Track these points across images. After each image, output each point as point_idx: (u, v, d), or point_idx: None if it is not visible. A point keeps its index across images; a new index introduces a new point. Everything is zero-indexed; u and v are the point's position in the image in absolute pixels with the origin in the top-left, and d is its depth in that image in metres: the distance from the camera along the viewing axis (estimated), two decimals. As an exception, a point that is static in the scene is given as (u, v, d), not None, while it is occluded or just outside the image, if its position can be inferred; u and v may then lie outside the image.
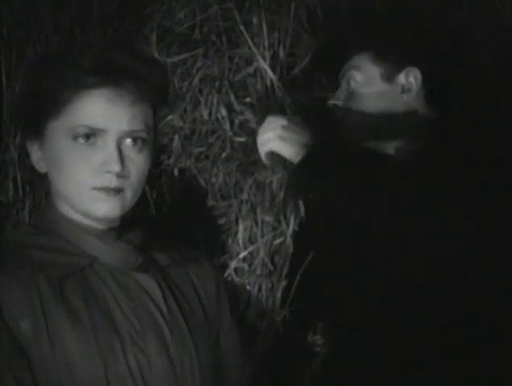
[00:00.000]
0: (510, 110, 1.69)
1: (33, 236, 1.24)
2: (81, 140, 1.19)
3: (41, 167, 1.26)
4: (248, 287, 1.62)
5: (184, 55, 1.69)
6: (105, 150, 1.19)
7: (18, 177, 1.70)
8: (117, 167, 1.18)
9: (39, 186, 1.65)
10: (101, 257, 1.23)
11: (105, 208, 1.20)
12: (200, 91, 1.67)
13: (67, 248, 1.22)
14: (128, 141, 1.21)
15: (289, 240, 1.65)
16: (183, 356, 1.24)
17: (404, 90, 1.56)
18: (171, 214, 1.69)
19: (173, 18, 1.72)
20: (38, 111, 1.22)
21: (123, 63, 1.20)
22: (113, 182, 1.19)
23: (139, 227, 1.30)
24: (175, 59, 1.69)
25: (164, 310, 1.25)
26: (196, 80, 1.66)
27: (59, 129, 1.20)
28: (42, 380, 1.12)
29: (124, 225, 1.28)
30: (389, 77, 1.57)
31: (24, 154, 1.31)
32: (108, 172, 1.19)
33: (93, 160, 1.19)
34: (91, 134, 1.19)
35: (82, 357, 1.14)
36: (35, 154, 1.26)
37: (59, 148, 1.20)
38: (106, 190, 1.19)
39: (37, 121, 1.22)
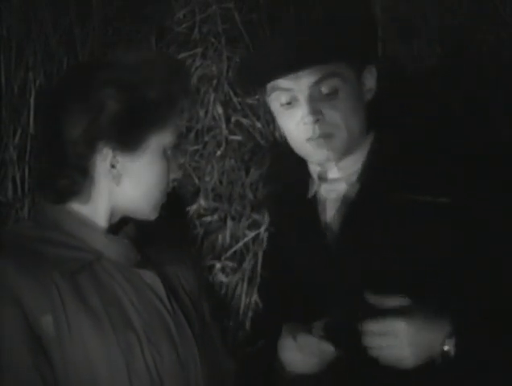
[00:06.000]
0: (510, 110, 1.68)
1: (39, 231, 1.22)
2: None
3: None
4: (234, 284, 1.61)
5: (183, 55, 1.69)
6: None
7: (18, 177, 1.71)
8: None
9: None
10: (106, 252, 1.21)
11: None
12: (198, 90, 1.67)
13: (73, 242, 1.20)
14: None
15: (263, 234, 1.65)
16: (187, 355, 1.23)
17: (368, 89, 1.43)
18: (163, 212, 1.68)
19: (172, 17, 1.73)
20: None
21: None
22: None
23: (133, 224, 1.29)
24: (175, 58, 1.69)
25: (169, 307, 1.24)
26: (194, 79, 1.67)
27: (158, 142, 1.22)
28: (62, 376, 1.11)
29: (121, 222, 1.27)
30: (358, 80, 1.41)
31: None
32: None
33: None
34: None
35: (103, 353, 1.13)
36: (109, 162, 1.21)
37: (151, 163, 1.22)
38: None
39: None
